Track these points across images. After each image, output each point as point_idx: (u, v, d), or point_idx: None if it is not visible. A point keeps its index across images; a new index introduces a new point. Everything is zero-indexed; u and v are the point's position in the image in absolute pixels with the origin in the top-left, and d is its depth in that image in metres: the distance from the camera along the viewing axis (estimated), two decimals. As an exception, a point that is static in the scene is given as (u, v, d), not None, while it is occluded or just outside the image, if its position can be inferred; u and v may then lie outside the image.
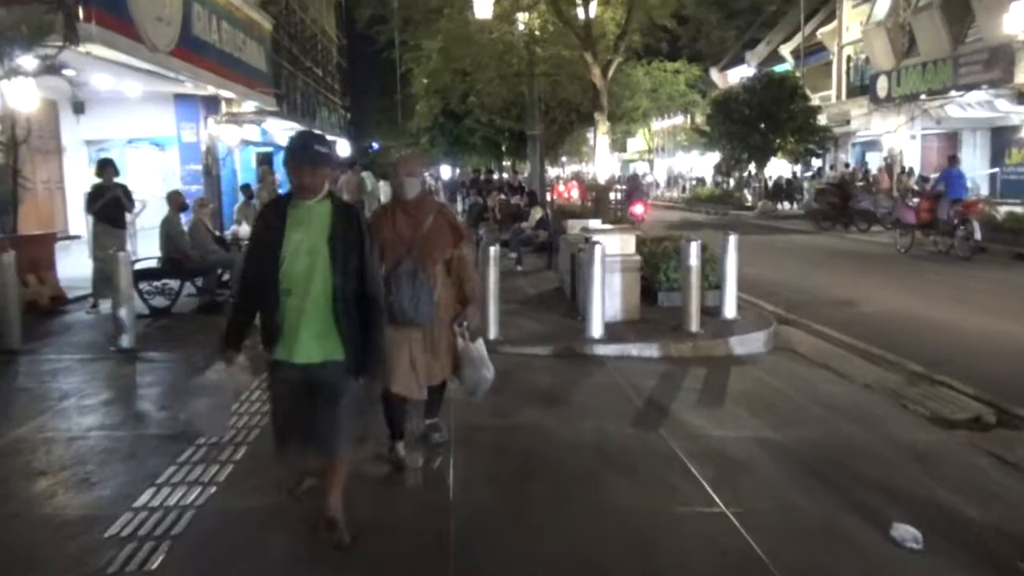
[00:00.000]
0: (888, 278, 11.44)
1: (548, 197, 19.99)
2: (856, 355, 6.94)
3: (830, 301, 9.58)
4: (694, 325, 7.06)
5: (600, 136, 11.23)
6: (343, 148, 38.37)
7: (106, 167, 8.80)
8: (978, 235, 12.54)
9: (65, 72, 10.09)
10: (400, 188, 4.09)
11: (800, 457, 4.48)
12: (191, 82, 15.01)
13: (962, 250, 12.72)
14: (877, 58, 25.40)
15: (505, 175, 26.22)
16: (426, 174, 19.98)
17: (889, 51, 24.73)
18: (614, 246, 7.52)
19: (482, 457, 4.42)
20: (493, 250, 6.86)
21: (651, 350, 6.71)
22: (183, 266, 8.51)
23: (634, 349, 6.71)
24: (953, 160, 14.73)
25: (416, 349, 4.04)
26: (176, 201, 8.74)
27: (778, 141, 23.67)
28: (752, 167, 26.25)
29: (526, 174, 21.60)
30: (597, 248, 6.88)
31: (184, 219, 8.92)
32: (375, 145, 52.78)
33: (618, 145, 40.27)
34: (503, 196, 17.83)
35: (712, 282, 7.88)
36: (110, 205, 8.69)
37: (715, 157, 30.97)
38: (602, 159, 11.61)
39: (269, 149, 29.45)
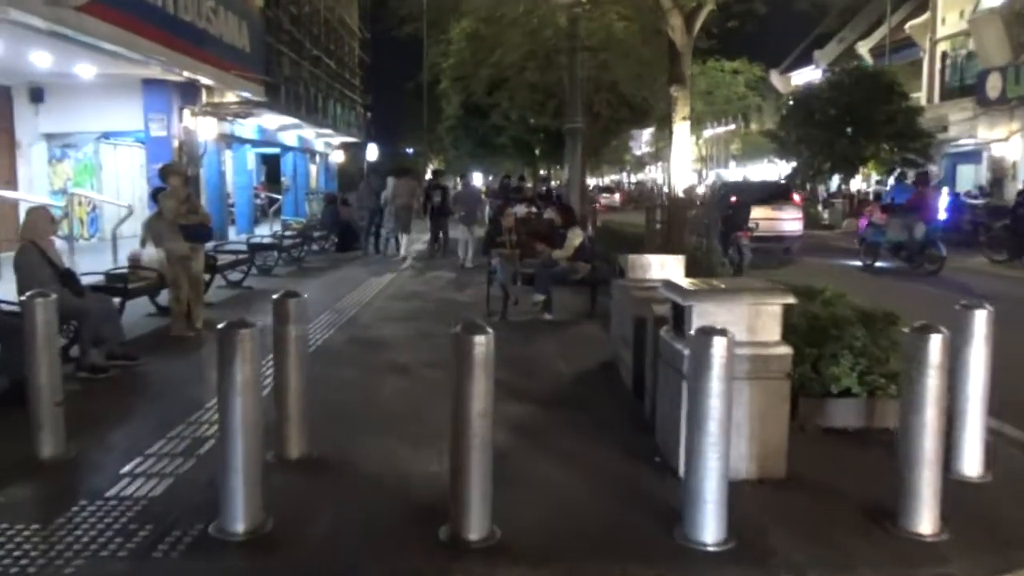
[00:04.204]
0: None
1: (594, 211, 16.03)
2: None
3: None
4: (928, 521, 3.13)
5: (679, 123, 7.34)
6: (370, 152, 34.69)
7: None
8: (943, 252, 12.48)
9: None
10: None
11: None
12: (158, 65, 12.15)
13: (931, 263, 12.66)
14: (988, 52, 21.83)
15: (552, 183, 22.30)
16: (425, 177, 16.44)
17: (1005, 43, 21.19)
18: (735, 327, 3.66)
19: None
20: (480, 344, 3.01)
21: (849, 602, 2.82)
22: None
23: (809, 601, 2.83)
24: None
25: None
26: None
27: (871, 148, 19.47)
28: (834, 179, 22.08)
29: (556, 183, 17.74)
30: (717, 345, 3.03)
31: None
32: (410, 150, 50.42)
33: (662, 155, 36.26)
34: (534, 210, 13.91)
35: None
36: None
37: (779, 167, 26.87)
38: (680, 156, 7.61)
39: (275, 150, 26.06)
